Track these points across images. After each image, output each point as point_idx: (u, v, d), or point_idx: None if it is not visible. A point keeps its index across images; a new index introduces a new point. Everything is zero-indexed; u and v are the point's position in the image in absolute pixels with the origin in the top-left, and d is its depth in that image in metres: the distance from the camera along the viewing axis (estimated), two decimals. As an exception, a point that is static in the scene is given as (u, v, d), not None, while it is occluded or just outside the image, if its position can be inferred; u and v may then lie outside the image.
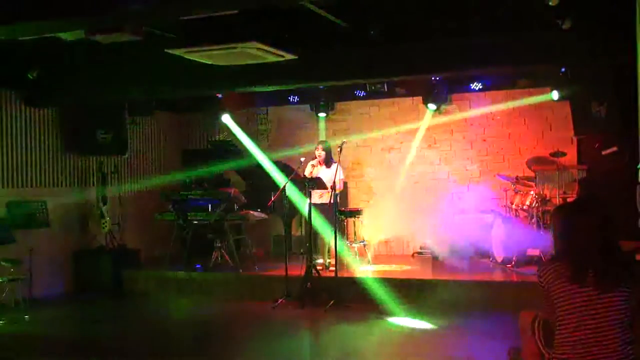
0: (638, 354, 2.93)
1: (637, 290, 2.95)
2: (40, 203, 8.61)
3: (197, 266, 9.27)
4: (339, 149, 8.20)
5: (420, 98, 9.84)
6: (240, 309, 7.98)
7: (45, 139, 9.11)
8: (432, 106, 9.66)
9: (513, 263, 8.46)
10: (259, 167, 9.94)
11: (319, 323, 7.35)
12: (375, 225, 9.99)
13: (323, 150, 8.66)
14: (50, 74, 8.21)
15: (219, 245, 9.28)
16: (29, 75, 7.96)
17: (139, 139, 10.77)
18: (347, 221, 9.49)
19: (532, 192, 8.70)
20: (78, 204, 9.56)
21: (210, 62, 7.15)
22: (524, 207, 8.74)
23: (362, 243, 9.37)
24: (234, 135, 10.55)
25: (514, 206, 8.93)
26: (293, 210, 8.89)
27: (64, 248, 9.25)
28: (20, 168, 8.75)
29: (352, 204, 10.30)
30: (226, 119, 10.47)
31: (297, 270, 8.06)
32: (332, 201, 8.07)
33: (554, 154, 8.76)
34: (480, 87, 9.35)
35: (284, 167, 9.46)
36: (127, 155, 10.13)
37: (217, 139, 11.30)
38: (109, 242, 9.64)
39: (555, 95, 8.76)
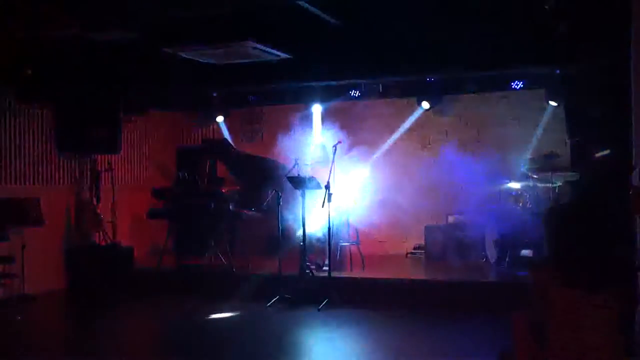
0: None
1: (629, 292, 2.96)
2: (34, 200, 8.58)
3: (191, 265, 9.25)
4: (333, 149, 8.19)
5: (415, 99, 9.86)
6: (233, 308, 7.97)
7: (38, 136, 9.07)
8: (425, 104, 9.66)
9: (506, 264, 8.48)
10: (253, 166, 9.91)
11: (312, 323, 7.35)
12: (369, 225, 9.98)
13: (318, 150, 8.64)
14: (44, 71, 8.17)
15: (213, 244, 9.26)
16: (22, 72, 7.93)
17: (133, 137, 10.75)
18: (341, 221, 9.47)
19: (525, 194, 8.72)
20: (71, 201, 9.53)
21: (205, 61, 7.15)
22: (518, 208, 8.76)
23: (355, 243, 9.36)
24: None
25: (507, 207, 8.95)
26: (288, 209, 8.87)
27: (57, 245, 9.22)
28: (14, 165, 8.71)
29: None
30: (220, 118, 10.46)
31: (291, 269, 8.06)
32: (326, 200, 8.06)
33: (547, 156, 8.78)
34: (475, 88, 9.35)
35: (278, 167, 9.45)
36: (120, 153, 10.10)
37: (211, 137, 11.28)
38: (102, 240, 9.61)
39: (551, 102, 8.81)
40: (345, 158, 8.91)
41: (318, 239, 8.73)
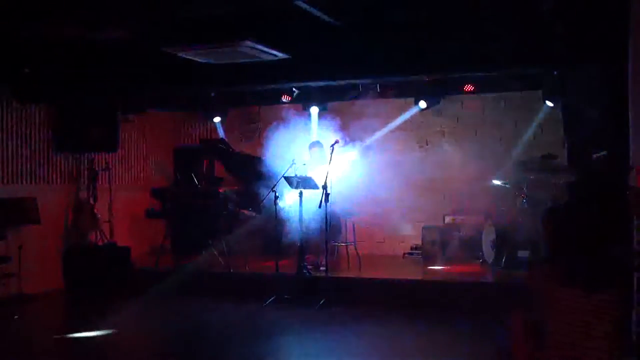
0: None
1: (626, 293, 2.98)
2: (31, 200, 8.57)
3: (188, 265, 9.24)
4: (331, 149, 8.19)
5: (412, 99, 9.86)
6: (230, 308, 7.98)
7: (36, 135, 9.06)
8: (422, 104, 9.66)
9: (503, 264, 8.50)
10: (251, 166, 9.91)
11: (309, 323, 7.35)
12: (367, 225, 9.99)
13: (315, 150, 8.65)
14: (42, 70, 8.16)
15: (210, 243, 9.26)
16: (20, 71, 7.93)
17: (131, 137, 10.74)
18: (338, 221, 9.47)
19: (522, 195, 8.74)
20: (69, 201, 9.52)
21: (204, 60, 7.15)
22: (515, 209, 8.77)
23: (353, 243, 9.37)
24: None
25: (504, 208, 8.97)
26: (285, 209, 8.87)
27: (54, 245, 9.20)
28: (11, 164, 8.69)
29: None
30: (217, 118, 10.45)
31: (288, 269, 8.06)
32: (323, 201, 8.06)
33: (544, 157, 8.79)
34: (473, 88, 9.36)
35: (276, 166, 9.44)
36: (118, 153, 10.10)
37: (208, 137, 11.28)
38: (100, 240, 9.60)
39: (548, 102, 8.83)
40: (343, 157, 8.92)
41: (315, 239, 8.72)
